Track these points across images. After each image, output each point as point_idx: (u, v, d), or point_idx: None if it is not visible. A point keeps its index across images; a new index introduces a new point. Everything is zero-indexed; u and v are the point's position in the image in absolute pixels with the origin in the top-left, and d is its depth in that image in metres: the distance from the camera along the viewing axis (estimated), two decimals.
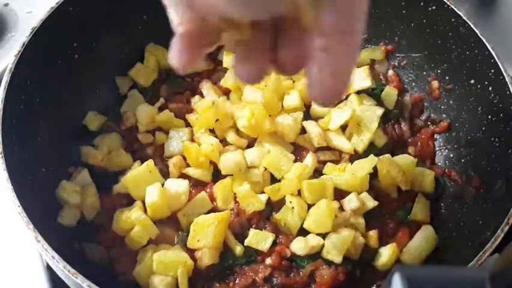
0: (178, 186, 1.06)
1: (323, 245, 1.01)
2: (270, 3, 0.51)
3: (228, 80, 1.20)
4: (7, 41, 1.44)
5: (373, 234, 1.06)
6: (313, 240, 1.01)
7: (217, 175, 1.09)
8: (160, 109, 1.19)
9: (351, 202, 1.06)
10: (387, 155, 1.11)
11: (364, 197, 1.07)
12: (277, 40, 0.59)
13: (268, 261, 1.01)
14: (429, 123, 1.23)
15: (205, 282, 1.01)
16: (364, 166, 1.08)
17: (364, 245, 1.04)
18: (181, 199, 1.05)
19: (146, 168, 1.05)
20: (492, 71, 1.05)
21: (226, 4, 0.50)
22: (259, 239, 1.02)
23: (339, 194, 1.07)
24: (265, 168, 1.08)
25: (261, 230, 1.04)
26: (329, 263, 1.01)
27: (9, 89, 0.96)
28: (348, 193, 1.07)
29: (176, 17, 0.58)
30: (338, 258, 1.00)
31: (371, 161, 1.08)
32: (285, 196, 1.05)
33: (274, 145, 1.11)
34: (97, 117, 1.18)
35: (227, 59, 1.24)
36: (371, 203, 1.07)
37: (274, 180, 1.08)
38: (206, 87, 1.22)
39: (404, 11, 1.22)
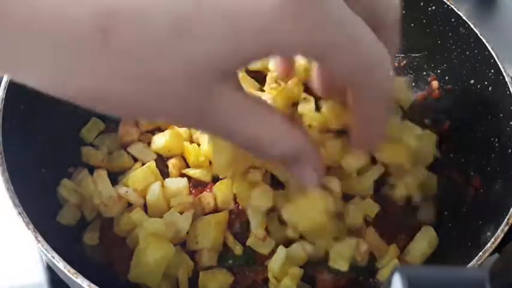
0: (178, 183, 1.06)
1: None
2: None
3: None
4: None
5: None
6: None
7: (217, 175, 1.09)
8: None
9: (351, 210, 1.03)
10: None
11: (367, 202, 1.06)
12: None
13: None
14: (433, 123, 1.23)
15: None
16: (371, 173, 1.06)
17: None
18: (183, 196, 1.05)
19: (148, 169, 1.05)
20: (492, 71, 1.05)
21: None
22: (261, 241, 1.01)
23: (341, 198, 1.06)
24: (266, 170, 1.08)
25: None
26: (335, 271, 0.99)
27: (9, 89, 0.96)
28: (351, 197, 1.06)
29: None
30: (344, 267, 0.98)
31: (378, 168, 1.06)
32: None
33: None
34: (93, 128, 1.16)
35: None
36: (374, 208, 1.06)
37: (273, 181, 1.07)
38: None
39: (404, 11, 1.21)
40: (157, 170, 1.07)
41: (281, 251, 0.99)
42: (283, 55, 0.58)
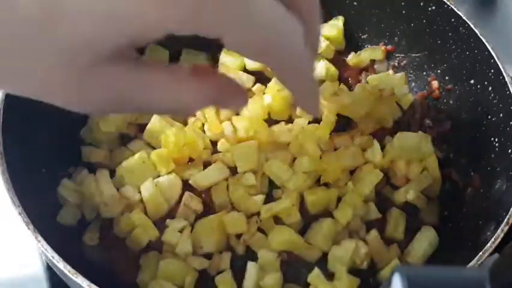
0: (169, 179, 1.06)
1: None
2: None
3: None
4: None
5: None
6: None
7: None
8: None
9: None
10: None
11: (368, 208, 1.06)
12: None
13: None
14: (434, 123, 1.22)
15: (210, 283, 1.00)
16: (371, 179, 1.06)
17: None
18: (176, 190, 1.05)
19: (139, 158, 1.05)
20: (492, 71, 1.05)
21: None
22: (262, 243, 1.01)
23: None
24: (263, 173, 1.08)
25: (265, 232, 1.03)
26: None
27: None
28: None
29: None
30: (342, 271, 0.98)
31: (377, 174, 1.06)
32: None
33: (275, 152, 1.09)
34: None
35: (226, 59, 1.23)
36: (375, 214, 1.06)
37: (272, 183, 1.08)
38: None
39: (404, 11, 1.22)
40: (148, 160, 1.06)
41: (251, 267, 0.97)
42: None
